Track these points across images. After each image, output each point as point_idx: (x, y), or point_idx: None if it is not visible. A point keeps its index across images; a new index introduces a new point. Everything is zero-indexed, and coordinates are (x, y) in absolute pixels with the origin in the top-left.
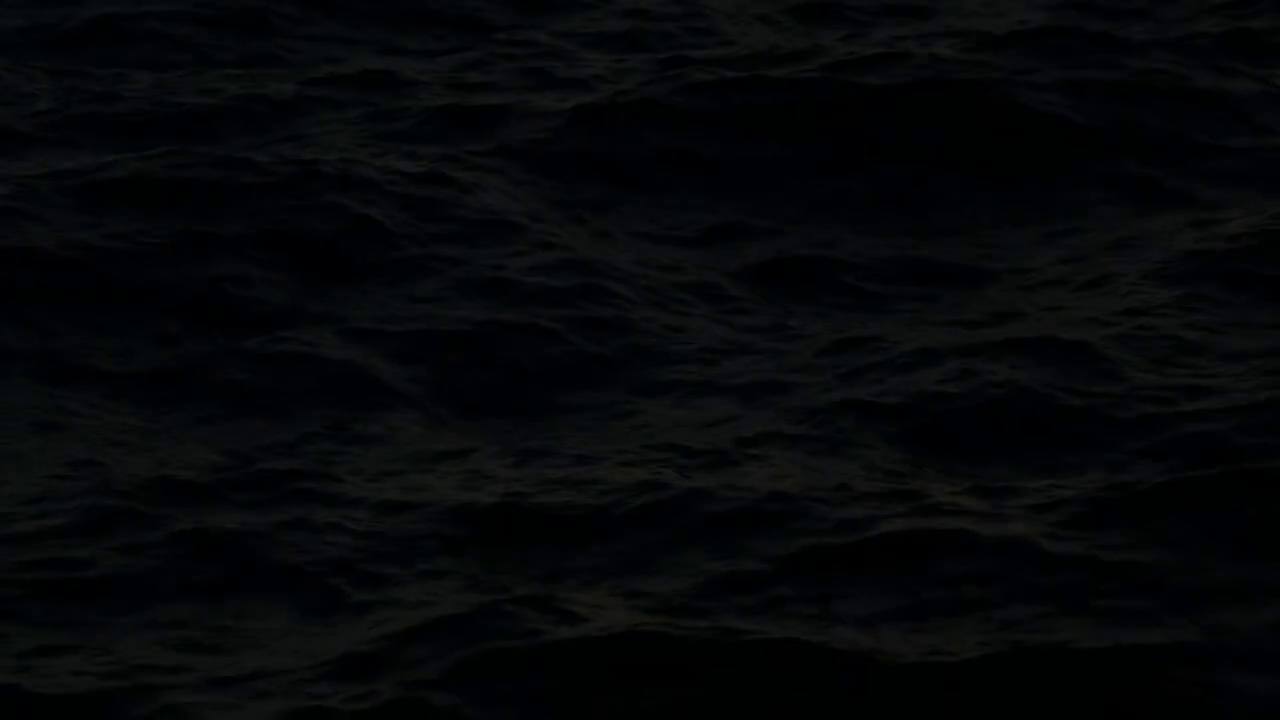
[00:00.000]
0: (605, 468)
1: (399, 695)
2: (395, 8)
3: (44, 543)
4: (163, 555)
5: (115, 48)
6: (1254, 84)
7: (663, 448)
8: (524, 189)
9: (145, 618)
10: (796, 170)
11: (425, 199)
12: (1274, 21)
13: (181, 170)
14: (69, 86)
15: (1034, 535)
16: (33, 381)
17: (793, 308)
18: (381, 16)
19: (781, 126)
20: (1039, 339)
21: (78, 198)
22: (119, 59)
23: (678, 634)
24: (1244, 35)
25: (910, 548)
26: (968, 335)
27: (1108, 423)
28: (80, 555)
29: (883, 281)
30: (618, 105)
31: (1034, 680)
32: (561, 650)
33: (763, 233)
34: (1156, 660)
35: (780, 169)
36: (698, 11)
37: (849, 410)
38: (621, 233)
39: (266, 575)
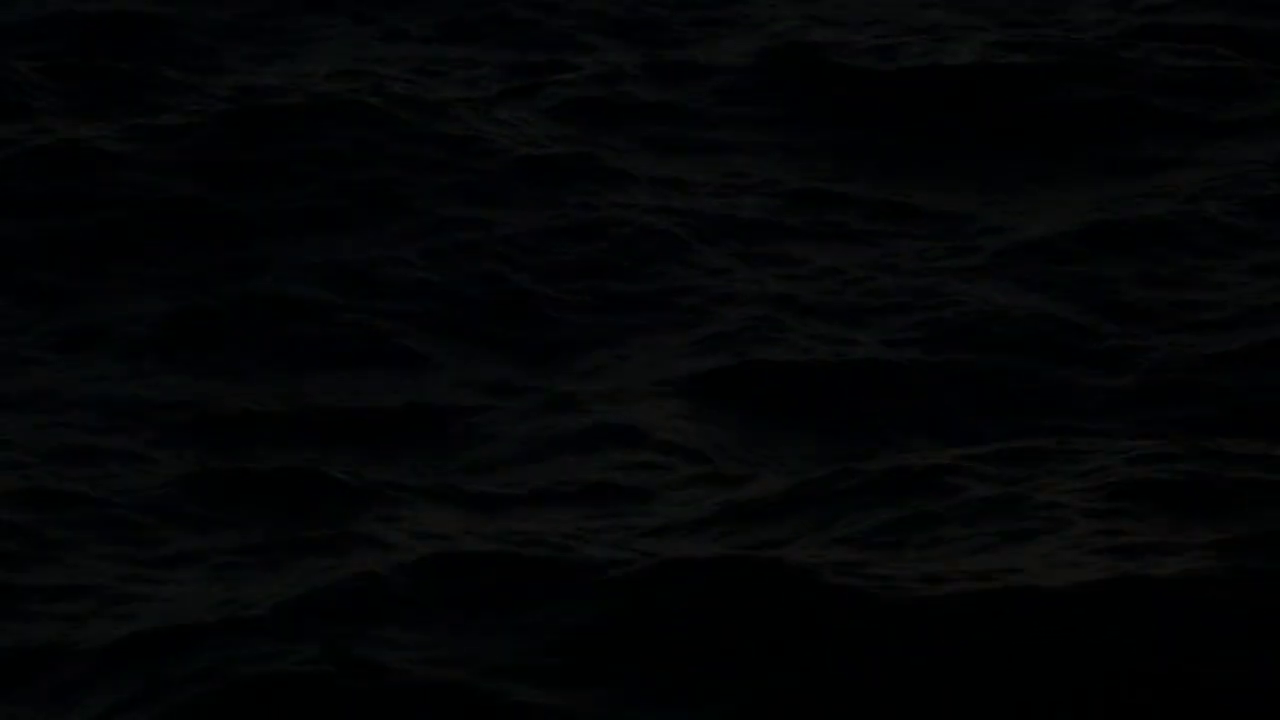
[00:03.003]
0: (617, 410)
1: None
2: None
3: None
4: (174, 510)
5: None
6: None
7: (673, 390)
8: (541, 141)
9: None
10: (810, 138)
11: (441, 161)
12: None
13: (194, 134)
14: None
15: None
16: (47, 345)
17: (803, 251)
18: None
19: (796, 100)
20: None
21: (89, 167)
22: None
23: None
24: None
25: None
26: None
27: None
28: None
29: (881, 230)
30: (636, 73)
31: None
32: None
33: (771, 187)
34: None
35: (790, 137)
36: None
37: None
38: (642, 177)
39: (280, 522)
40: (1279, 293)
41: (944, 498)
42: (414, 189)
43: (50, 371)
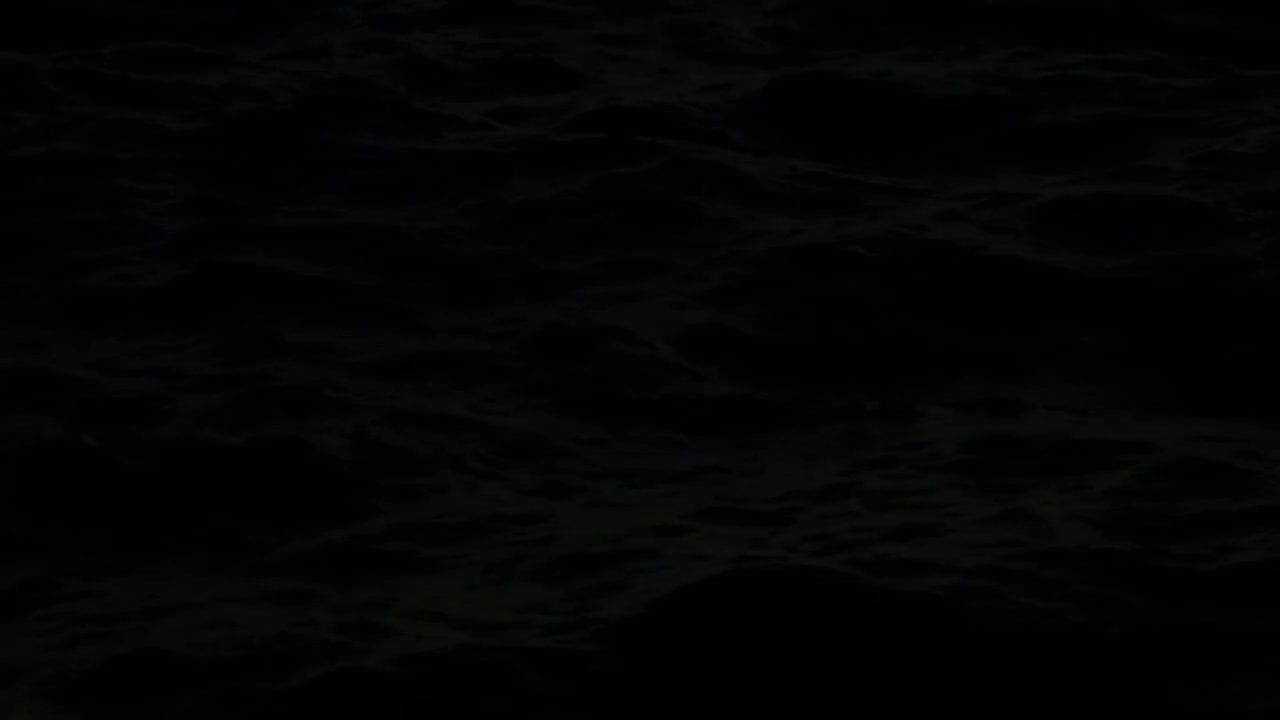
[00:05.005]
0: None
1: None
2: None
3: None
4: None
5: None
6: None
7: (675, 358)
8: (542, 128)
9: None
10: (813, 131)
11: (442, 151)
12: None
13: (194, 134)
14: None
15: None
16: (44, 313)
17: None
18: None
19: (800, 90)
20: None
21: (90, 167)
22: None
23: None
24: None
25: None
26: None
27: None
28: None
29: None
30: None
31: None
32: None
33: (776, 172)
34: None
35: (794, 128)
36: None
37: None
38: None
39: (282, 517)
40: (1275, 280)
41: (943, 495)
42: (414, 177)
43: (52, 350)
